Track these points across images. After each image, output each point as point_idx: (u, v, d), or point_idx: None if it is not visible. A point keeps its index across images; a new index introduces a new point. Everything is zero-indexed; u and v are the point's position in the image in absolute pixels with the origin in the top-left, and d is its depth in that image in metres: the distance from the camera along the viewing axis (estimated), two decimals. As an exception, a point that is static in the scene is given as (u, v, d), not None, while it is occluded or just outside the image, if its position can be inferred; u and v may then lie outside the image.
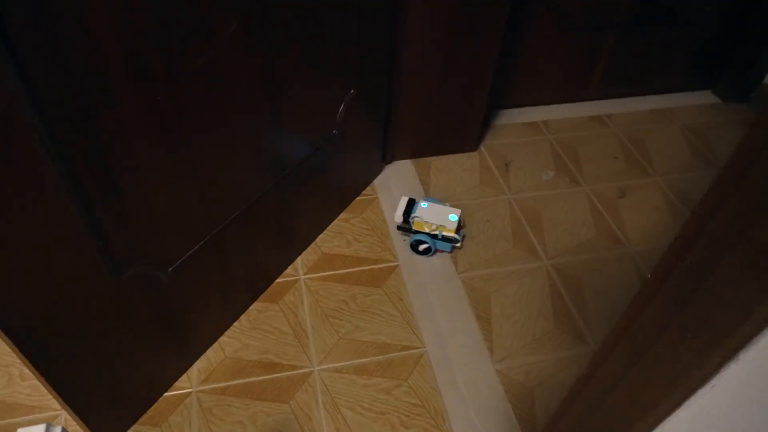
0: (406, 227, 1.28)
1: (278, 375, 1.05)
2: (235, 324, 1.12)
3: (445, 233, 1.23)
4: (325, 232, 1.30)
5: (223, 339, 1.10)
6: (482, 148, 1.56)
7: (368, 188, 1.42)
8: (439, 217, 1.25)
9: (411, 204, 1.28)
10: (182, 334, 1.00)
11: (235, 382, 1.04)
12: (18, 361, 1.04)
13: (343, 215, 1.34)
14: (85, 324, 0.78)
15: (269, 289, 1.18)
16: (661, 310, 0.41)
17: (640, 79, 1.72)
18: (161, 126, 0.73)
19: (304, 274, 1.22)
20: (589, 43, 1.57)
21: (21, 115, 0.56)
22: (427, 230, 1.24)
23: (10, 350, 1.05)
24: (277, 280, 1.20)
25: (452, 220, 1.24)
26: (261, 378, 1.04)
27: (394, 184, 1.44)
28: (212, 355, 1.07)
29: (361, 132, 1.26)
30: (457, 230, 1.25)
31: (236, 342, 1.09)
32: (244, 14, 0.76)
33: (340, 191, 1.32)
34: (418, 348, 1.11)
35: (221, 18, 0.74)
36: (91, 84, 0.62)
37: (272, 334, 1.11)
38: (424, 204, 1.27)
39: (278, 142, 1.00)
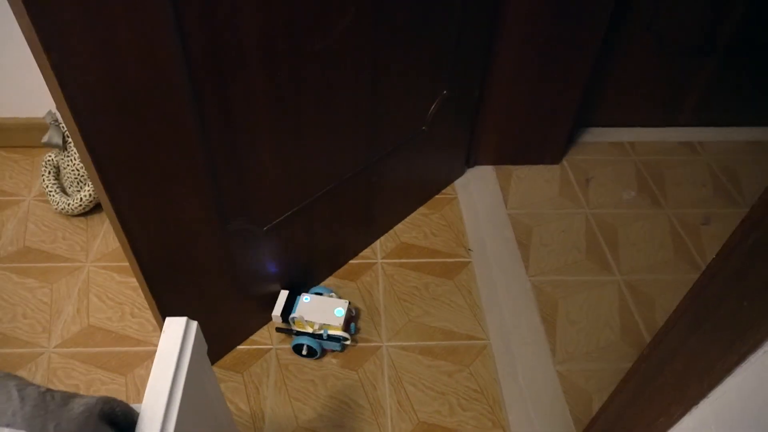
0: (286, 329, 1.11)
1: (350, 344, 1.13)
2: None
3: (330, 332, 1.08)
4: (404, 222, 1.38)
5: (303, 306, 1.20)
6: (565, 162, 1.59)
7: (449, 188, 1.49)
8: (323, 313, 1.08)
9: (291, 299, 1.11)
10: (266, 291, 1.11)
11: (310, 345, 1.13)
12: (130, 299, 1.19)
13: (422, 209, 1.42)
14: (195, 263, 0.90)
15: (348, 267, 1.28)
16: (722, 284, 0.46)
17: (739, 109, 1.68)
18: (279, 99, 0.85)
19: (382, 258, 1.30)
20: (686, 67, 1.56)
21: (178, 76, 0.68)
22: (310, 330, 1.09)
23: (124, 289, 1.21)
24: (357, 261, 1.29)
25: (338, 315, 1.08)
26: (334, 345, 1.13)
27: (475, 187, 1.50)
28: (293, 319, 1.17)
29: (448, 132, 1.34)
30: (347, 325, 1.09)
31: (315, 311, 1.19)
32: (360, 9, 0.86)
33: (422, 186, 1.40)
34: (482, 339, 1.16)
35: (340, 10, 0.84)
36: (231, 56, 0.73)
37: (348, 308, 1.20)
38: (306, 298, 1.10)
39: (373, 129, 1.09)
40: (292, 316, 1.08)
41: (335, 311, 1.08)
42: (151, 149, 0.72)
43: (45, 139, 1.27)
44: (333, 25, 0.84)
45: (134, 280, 1.23)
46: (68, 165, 1.30)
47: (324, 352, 1.11)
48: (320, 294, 1.14)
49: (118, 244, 1.30)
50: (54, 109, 1.29)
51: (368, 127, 1.08)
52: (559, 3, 1.22)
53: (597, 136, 1.67)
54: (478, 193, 1.48)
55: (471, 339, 1.16)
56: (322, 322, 1.07)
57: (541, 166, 1.58)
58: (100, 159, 0.66)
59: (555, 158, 1.58)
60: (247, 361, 1.10)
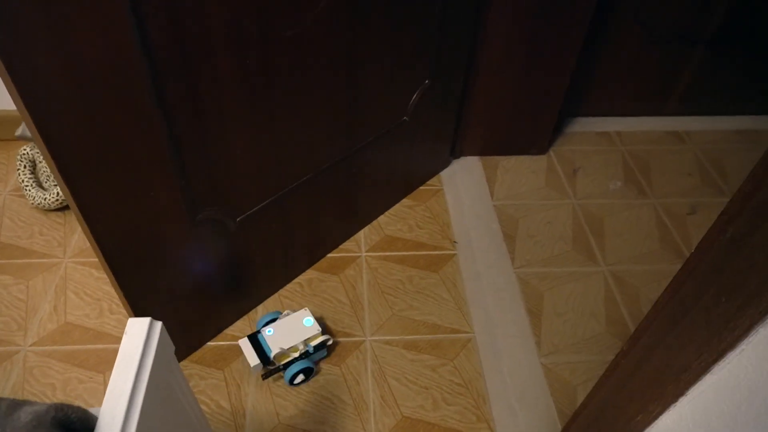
0: (273, 369, 1.03)
1: (332, 342, 1.12)
2: (296, 288, 1.20)
3: (314, 343, 1.04)
4: (388, 215, 1.37)
5: (282, 299, 1.18)
6: (551, 152, 1.58)
7: (434, 179, 1.47)
8: (295, 331, 1.03)
9: (256, 341, 1.04)
10: (242, 283, 1.09)
11: (292, 340, 1.11)
12: (108, 296, 1.17)
13: (407, 201, 1.40)
14: (164, 255, 0.88)
15: (331, 260, 1.26)
16: (700, 279, 0.44)
17: (726, 98, 1.67)
18: (249, 87, 0.82)
19: (366, 251, 1.28)
20: (673, 56, 1.55)
21: (137, 62, 0.66)
22: (296, 355, 1.03)
23: (102, 285, 1.19)
24: (340, 255, 1.27)
25: (309, 324, 1.04)
26: (317, 340, 1.12)
27: (460, 179, 1.48)
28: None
29: (432, 123, 1.32)
30: (321, 326, 1.05)
31: (295, 304, 1.17)
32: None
33: (406, 177, 1.38)
34: (467, 333, 1.15)
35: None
36: (196, 42, 0.70)
37: (330, 302, 1.18)
38: (269, 331, 1.03)
39: (351, 118, 1.07)
40: (272, 354, 1.01)
41: (304, 322, 1.05)
42: (112, 139, 0.69)
43: (18, 132, 1.24)
44: (305, 9, 0.82)
45: (113, 275, 1.20)
46: (43, 159, 1.27)
47: (318, 365, 1.08)
48: (275, 319, 1.08)
49: (96, 240, 1.27)
50: (28, 102, 1.25)
51: (346, 116, 1.05)
52: None
53: (584, 125, 1.66)
54: (463, 184, 1.47)
55: (455, 332, 1.15)
56: (303, 338, 1.03)
57: (527, 157, 1.56)
58: (58, 151, 0.64)
59: (541, 149, 1.56)
60: (227, 358, 1.08)
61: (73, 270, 1.21)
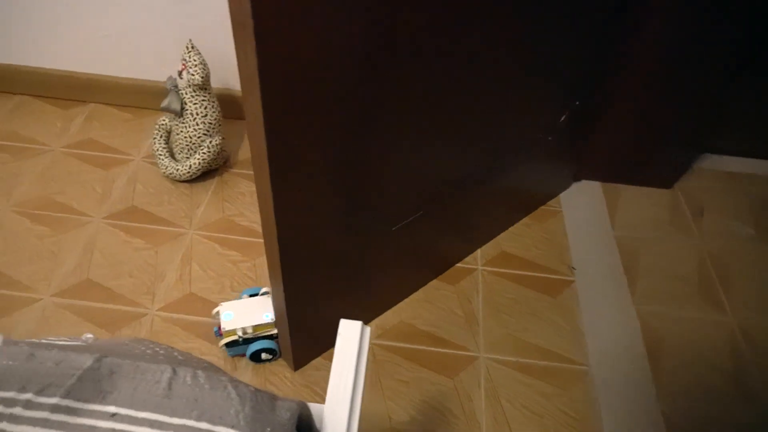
0: (239, 340, 1.01)
1: (445, 351, 1.10)
2: (413, 294, 1.19)
3: (260, 333, 1.01)
4: (506, 231, 1.34)
5: (400, 305, 1.18)
6: (676, 187, 1.50)
7: (554, 200, 1.43)
8: (253, 313, 1.01)
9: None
10: (375, 290, 1.09)
11: (405, 345, 1.11)
12: (230, 273, 1.20)
13: (526, 220, 1.37)
14: (322, 255, 0.89)
15: (448, 271, 1.24)
16: None
17: None
18: (416, 105, 0.81)
19: (482, 265, 1.26)
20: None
21: (355, 62, 0.66)
22: (235, 337, 1.00)
23: (225, 262, 1.21)
24: (457, 265, 1.26)
25: (266, 316, 1.00)
26: (429, 349, 1.10)
27: (581, 203, 1.43)
28: (390, 315, 1.15)
29: (569, 144, 1.28)
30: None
31: (411, 310, 1.17)
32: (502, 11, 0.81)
33: (530, 196, 1.35)
34: (582, 365, 1.11)
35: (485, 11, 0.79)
36: (388, 47, 0.70)
37: (445, 312, 1.17)
38: (226, 315, 1.01)
39: (501, 133, 1.05)
40: (229, 329, 0.99)
41: (264, 316, 1.01)
42: (313, 137, 0.70)
43: (164, 104, 1.29)
44: (475, 26, 0.80)
45: (235, 253, 1.23)
46: (181, 132, 1.31)
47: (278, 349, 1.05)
48: (256, 294, 1.06)
49: (220, 215, 1.31)
50: (175, 75, 1.30)
51: (495, 132, 1.03)
52: (699, 27, 1.14)
53: (714, 163, 1.57)
54: (583, 209, 1.42)
55: (570, 362, 1.11)
56: (261, 320, 1.00)
57: (650, 189, 1.49)
58: (274, 142, 0.64)
59: (667, 182, 1.49)
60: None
61: (198, 242, 1.25)
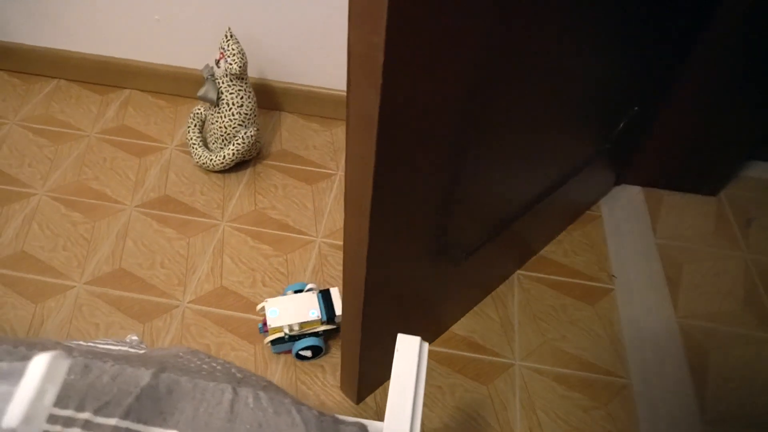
0: (285, 337, 1.00)
1: (481, 357, 1.07)
2: (447, 296, 1.17)
3: (306, 330, 1.01)
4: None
5: (433, 306, 1.15)
6: (722, 195, 1.44)
7: (594, 206, 1.38)
8: (299, 310, 1.00)
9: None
10: (436, 318, 1.07)
11: (440, 349, 1.08)
12: (262, 267, 1.18)
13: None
14: (401, 292, 0.86)
15: (483, 273, 1.21)
16: None
17: None
18: (498, 131, 0.77)
19: (518, 269, 1.22)
20: None
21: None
22: (310, 330, 1.01)
23: (257, 255, 1.20)
24: (492, 268, 1.22)
25: (313, 313, 1.00)
26: (465, 354, 1.08)
27: (621, 208, 1.38)
28: (423, 318, 1.13)
29: (625, 150, 1.23)
30: (327, 306, 1.01)
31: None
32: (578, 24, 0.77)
33: (577, 204, 1.30)
34: (622, 378, 1.07)
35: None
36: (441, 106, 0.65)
37: (480, 317, 1.14)
38: (272, 312, 0.99)
39: (566, 150, 1.01)
40: (276, 326, 0.98)
41: (310, 313, 1.00)
42: (414, 176, 0.66)
43: (201, 92, 1.27)
44: (566, 51, 0.76)
45: (267, 246, 1.21)
46: (216, 121, 1.30)
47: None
48: (301, 290, 1.06)
49: (252, 207, 1.29)
50: (212, 64, 1.28)
51: (567, 146, 0.99)
52: (758, 35, 1.09)
53: (763, 171, 1.51)
54: (624, 215, 1.37)
55: (610, 375, 1.07)
56: (307, 318, 0.99)
57: (694, 196, 1.44)
58: (380, 184, 0.60)
59: (712, 190, 1.44)
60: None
61: (230, 234, 1.24)
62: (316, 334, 1.01)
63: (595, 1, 0.76)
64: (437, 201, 0.75)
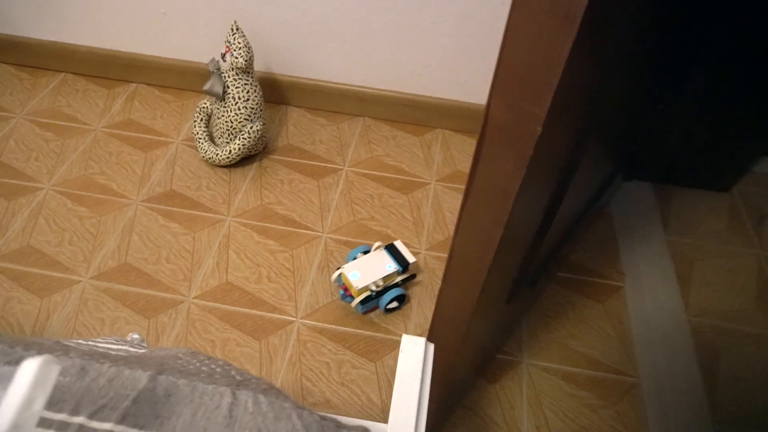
0: (372, 294, 1.06)
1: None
2: (453, 293, 1.15)
3: (391, 283, 1.09)
4: (553, 231, 1.28)
5: (440, 303, 1.14)
6: (735, 191, 1.42)
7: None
8: (376, 267, 1.07)
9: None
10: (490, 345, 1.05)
11: (445, 346, 1.07)
12: (268, 262, 1.17)
13: (574, 220, 1.31)
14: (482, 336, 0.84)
15: (491, 270, 1.20)
16: None
17: None
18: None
19: (527, 266, 1.21)
20: None
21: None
22: (392, 283, 1.08)
23: (262, 251, 1.19)
24: (499, 264, 1.21)
25: (389, 266, 1.08)
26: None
27: (631, 204, 1.36)
28: (430, 314, 1.12)
29: (645, 147, 1.20)
30: (398, 257, 1.09)
31: (452, 310, 1.13)
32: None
33: (591, 204, 1.28)
34: (631, 377, 1.05)
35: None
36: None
37: (487, 313, 1.12)
38: (353, 275, 1.06)
39: (605, 160, 0.99)
40: (360, 287, 1.04)
41: (386, 266, 1.08)
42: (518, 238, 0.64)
43: (206, 86, 1.26)
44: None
45: (273, 242, 1.21)
46: (222, 116, 1.29)
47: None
48: (366, 251, 1.13)
49: (258, 203, 1.29)
50: (218, 57, 1.27)
51: (607, 156, 0.97)
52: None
53: (778, 168, 1.48)
54: (634, 211, 1.35)
55: (619, 374, 1.06)
56: (388, 271, 1.07)
57: (705, 192, 1.41)
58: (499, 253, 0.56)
59: (725, 185, 1.41)
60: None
61: (235, 229, 1.23)
62: (396, 285, 1.09)
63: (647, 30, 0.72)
64: (527, 251, 0.73)
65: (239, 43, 1.21)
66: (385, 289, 1.07)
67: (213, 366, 0.36)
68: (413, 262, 1.09)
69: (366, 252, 1.13)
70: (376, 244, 1.12)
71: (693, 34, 1.06)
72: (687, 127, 1.28)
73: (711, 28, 1.08)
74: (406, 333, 1.04)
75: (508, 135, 0.44)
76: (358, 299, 1.05)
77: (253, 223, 1.25)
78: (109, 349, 0.44)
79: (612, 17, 0.43)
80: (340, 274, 1.08)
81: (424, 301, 1.13)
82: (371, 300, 1.07)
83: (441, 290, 0.65)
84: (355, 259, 1.11)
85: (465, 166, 1.42)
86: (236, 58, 1.22)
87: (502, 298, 0.81)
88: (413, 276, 1.13)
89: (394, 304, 1.09)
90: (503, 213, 0.49)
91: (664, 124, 1.28)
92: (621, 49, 0.58)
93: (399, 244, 1.12)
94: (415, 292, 1.15)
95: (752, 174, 1.46)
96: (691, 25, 1.00)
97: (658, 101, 1.10)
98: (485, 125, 0.45)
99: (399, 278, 1.10)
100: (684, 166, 1.38)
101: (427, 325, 1.09)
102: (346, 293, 1.08)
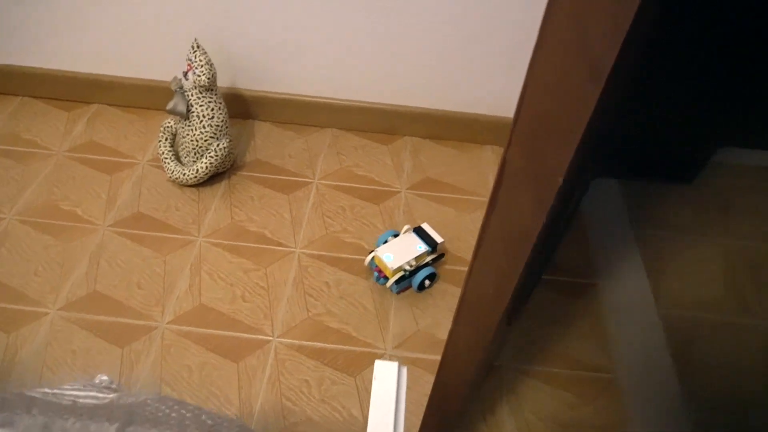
0: (405, 274, 1.14)
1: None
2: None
3: (423, 263, 1.16)
4: (525, 233, 1.30)
5: (417, 311, 1.14)
6: (700, 183, 1.46)
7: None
8: (408, 248, 1.15)
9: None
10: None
11: (424, 356, 1.07)
12: (242, 282, 1.16)
13: (545, 221, 1.33)
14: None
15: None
16: None
17: None
18: None
19: (501, 269, 1.22)
20: None
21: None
22: (423, 263, 1.16)
23: (235, 270, 1.18)
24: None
25: (420, 247, 1.15)
26: (450, 358, 1.07)
27: (599, 202, 1.39)
28: (408, 324, 1.12)
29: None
30: (426, 238, 1.17)
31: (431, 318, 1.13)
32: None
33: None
34: (609, 373, 1.07)
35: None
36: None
37: (464, 319, 1.13)
38: (387, 257, 1.13)
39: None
40: (395, 267, 1.11)
41: (417, 247, 1.15)
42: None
43: (170, 106, 1.24)
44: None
45: (246, 260, 1.19)
46: (188, 134, 1.27)
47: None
48: (395, 235, 1.20)
49: (229, 221, 1.27)
50: (180, 76, 1.25)
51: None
52: (715, 16, 1.09)
53: (741, 157, 1.52)
54: (602, 208, 1.38)
55: (597, 370, 1.07)
56: (419, 251, 1.14)
57: (671, 185, 1.45)
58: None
59: (688, 178, 1.45)
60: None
61: (207, 250, 1.21)
62: (427, 264, 1.16)
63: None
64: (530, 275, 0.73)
65: (201, 60, 1.20)
66: (417, 269, 1.14)
67: (183, 411, 0.36)
68: (441, 243, 1.16)
69: (395, 236, 1.19)
70: (405, 227, 1.19)
71: (652, 28, 1.08)
72: (647, 120, 1.31)
73: (668, 19, 1.11)
74: (384, 345, 1.05)
75: (527, 182, 0.44)
76: (392, 279, 1.12)
77: (225, 242, 1.23)
78: (76, 396, 0.43)
79: (626, 59, 0.44)
80: (373, 258, 1.15)
81: (401, 312, 1.14)
82: (405, 279, 1.14)
83: (451, 332, 0.65)
84: (385, 242, 1.17)
85: (434, 172, 1.42)
86: (198, 76, 1.20)
87: (505, 322, 0.82)
88: (442, 255, 1.21)
89: (427, 282, 1.16)
90: (522, 257, 0.49)
91: (626, 120, 1.30)
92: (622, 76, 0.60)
93: (426, 227, 1.19)
94: (393, 301, 1.15)
95: (714, 164, 1.50)
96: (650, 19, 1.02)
97: (620, 97, 1.12)
98: (503, 171, 0.45)
99: (429, 258, 1.17)
100: (647, 160, 1.42)
101: (405, 336, 1.09)
102: (380, 275, 1.15)
